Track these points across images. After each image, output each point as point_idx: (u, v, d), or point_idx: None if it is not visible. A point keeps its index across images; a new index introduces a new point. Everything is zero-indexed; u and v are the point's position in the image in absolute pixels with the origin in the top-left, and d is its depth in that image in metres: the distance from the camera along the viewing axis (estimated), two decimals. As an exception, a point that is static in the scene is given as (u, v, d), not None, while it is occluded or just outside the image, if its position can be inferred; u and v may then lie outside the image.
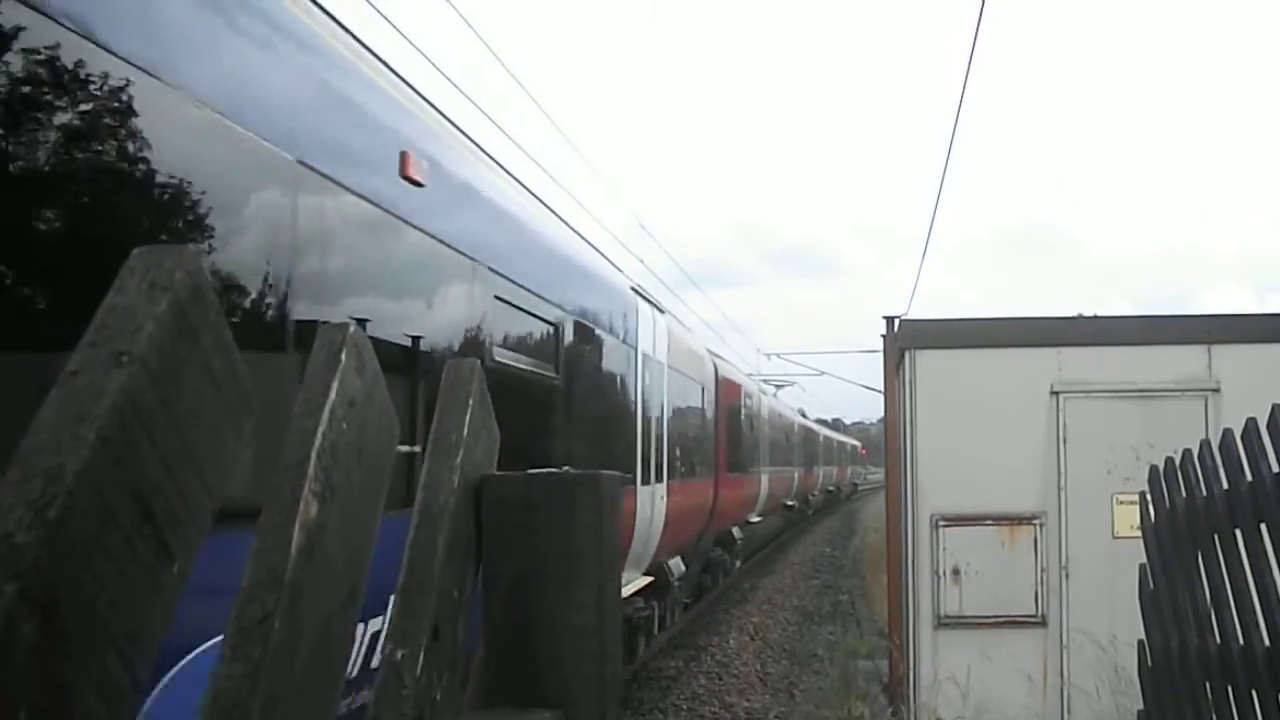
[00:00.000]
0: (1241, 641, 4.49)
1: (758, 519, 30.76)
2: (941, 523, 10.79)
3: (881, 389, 14.47)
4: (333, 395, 1.38)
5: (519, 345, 8.75)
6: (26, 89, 3.66)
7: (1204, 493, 4.93)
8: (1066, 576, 10.66)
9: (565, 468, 1.93)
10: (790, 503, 41.09)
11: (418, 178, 6.22)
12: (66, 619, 0.93)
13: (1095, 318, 11.68)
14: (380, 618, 3.97)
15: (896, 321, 12.72)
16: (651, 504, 14.12)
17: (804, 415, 59.50)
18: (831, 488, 69.72)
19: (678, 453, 16.82)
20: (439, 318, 6.95)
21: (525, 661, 1.75)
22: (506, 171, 9.33)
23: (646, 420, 14.23)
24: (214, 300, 1.14)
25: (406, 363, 6.33)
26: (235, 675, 1.23)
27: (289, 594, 1.27)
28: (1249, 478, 4.50)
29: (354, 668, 4.68)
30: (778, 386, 53.61)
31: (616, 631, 1.78)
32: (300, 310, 5.01)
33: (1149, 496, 5.64)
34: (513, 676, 1.75)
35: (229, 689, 1.22)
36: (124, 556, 1.00)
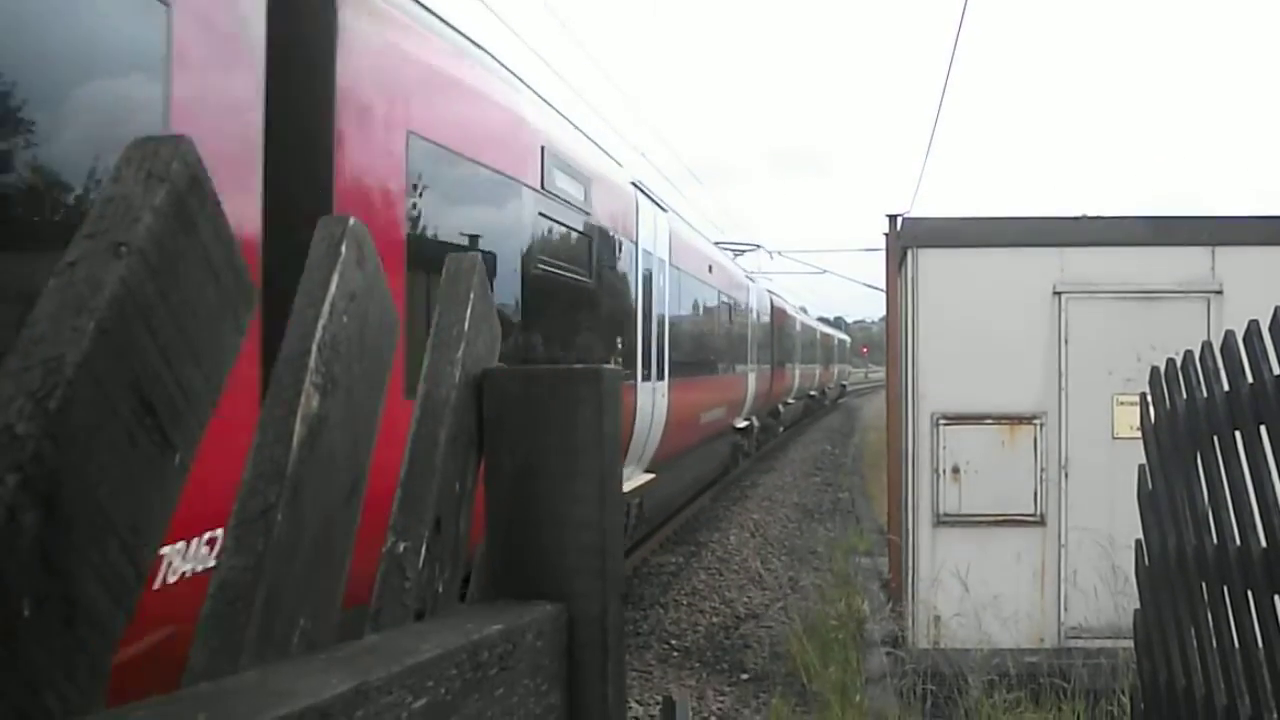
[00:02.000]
0: (1238, 543, 4.51)
1: (641, 481, 14.93)
2: (942, 421, 10.82)
3: (884, 288, 14.42)
4: (333, 288, 1.38)
5: None
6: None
7: (1204, 394, 4.93)
8: (1066, 476, 10.72)
9: None
10: (743, 423, 27.69)
11: None
12: (69, 509, 0.93)
13: (1099, 218, 11.62)
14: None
15: (899, 220, 12.66)
16: None
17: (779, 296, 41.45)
18: (814, 392, 55.82)
19: None
20: None
21: (527, 554, 1.76)
22: None
23: None
24: (212, 190, 1.13)
25: None
26: (238, 567, 1.24)
27: (290, 486, 1.28)
28: (1250, 380, 4.50)
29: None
30: (736, 253, 34.86)
31: (618, 525, 1.79)
32: None
33: (1149, 397, 5.65)
34: (514, 569, 1.77)
35: (233, 580, 1.23)
36: (125, 447, 1.00)
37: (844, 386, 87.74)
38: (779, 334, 37.04)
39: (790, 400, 42.69)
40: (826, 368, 65.64)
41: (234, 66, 5.43)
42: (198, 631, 1.21)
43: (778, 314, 37.47)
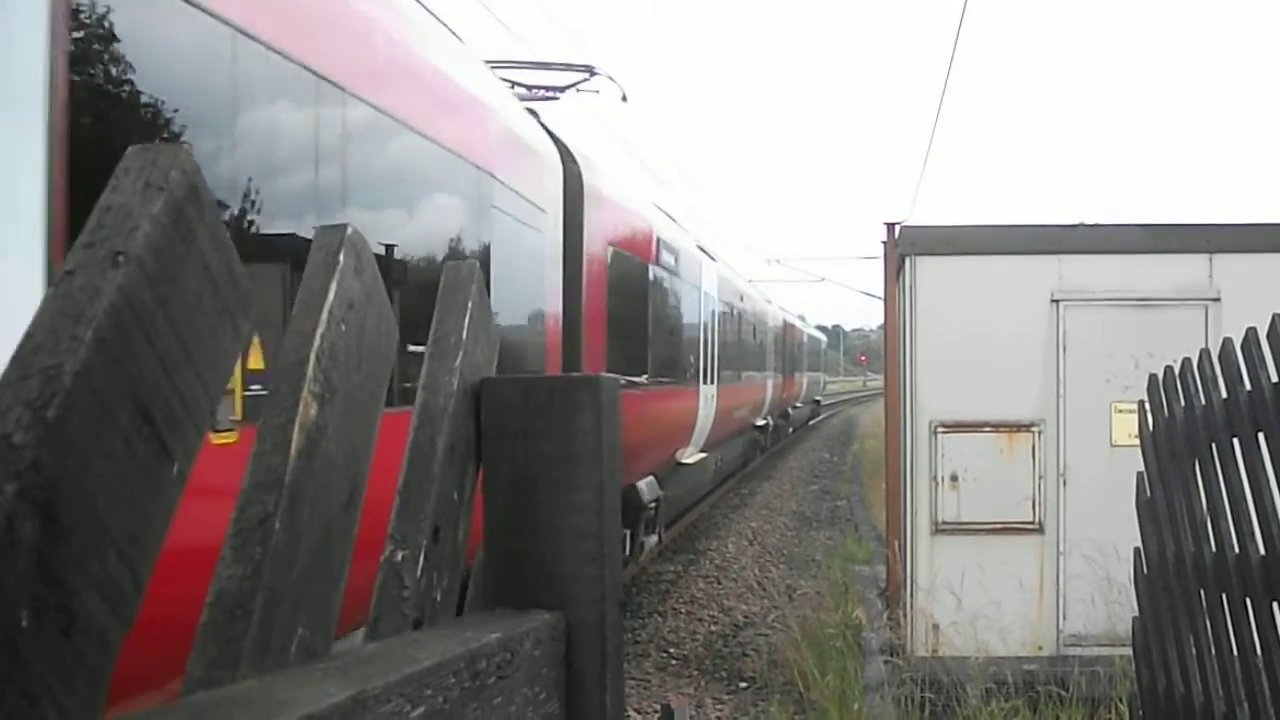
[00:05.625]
0: (1236, 550, 4.51)
1: None
2: (940, 429, 10.81)
3: (882, 295, 14.41)
4: (331, 297, 1.38)
5: None
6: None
7: (1203, 402, 4.93)
8: (1064, 484, 10.71)
9: None
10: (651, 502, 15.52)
11: None
12: (67, 519, 0.93)
13: (1097, 226, 11.62)
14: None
15: (898, 228, 12.65)
16: None
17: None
18: (762, 421, 34.18)
19: None
20: None
21: (525, 563, 1.76)
22: None
23: None
24: (210, 199, 1.13)
25: None
26: (236, 576, 1.23)
27: (289, 495, 1.27)
28: (1248, 387, 4.50)
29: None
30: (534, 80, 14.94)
31: (616, 534, 1.79)
32: None
33: (1148, 405, 5.65)
34: (512, 578, 1.76)
35: (231, 589, 1.23)
36: (123, 457, 1.00)
37: (818, 403, 64.56)
38: (660, 304, 17.65)
39: (699, 452, 20.97)
40: (789, 377, 43.51)
41: None
42: (195, 640, 1.21)
43: (633, 249, 15.46)
